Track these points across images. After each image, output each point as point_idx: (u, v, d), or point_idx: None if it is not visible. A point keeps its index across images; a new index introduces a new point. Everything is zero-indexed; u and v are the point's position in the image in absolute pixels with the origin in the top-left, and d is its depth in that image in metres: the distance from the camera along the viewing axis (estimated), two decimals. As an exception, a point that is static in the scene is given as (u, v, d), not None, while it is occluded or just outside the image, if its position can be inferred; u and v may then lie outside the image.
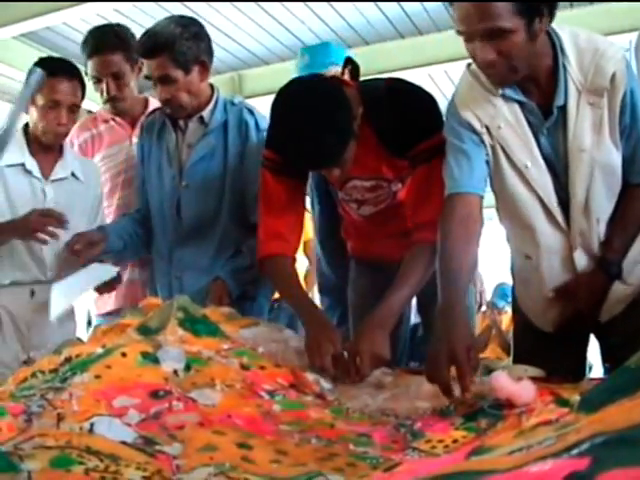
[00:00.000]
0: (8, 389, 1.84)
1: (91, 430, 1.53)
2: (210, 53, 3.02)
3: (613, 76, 2.10)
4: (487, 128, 2.24)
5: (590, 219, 2.24)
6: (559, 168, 2.23)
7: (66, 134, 3.06)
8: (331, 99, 2.36)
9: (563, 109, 2.18)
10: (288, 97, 2.43)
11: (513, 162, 2.24)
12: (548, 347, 2.40)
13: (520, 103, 2.21)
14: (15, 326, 2.95)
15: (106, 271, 3.00)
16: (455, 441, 1.66)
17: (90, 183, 3.21)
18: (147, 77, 2.96)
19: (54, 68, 2.95)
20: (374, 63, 5.92)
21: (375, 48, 6.67)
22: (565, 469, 0.69)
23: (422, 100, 2.56)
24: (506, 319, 7.83)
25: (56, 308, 2.83)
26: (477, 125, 2.24)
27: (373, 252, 2.92)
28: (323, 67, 3.45)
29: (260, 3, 5.89)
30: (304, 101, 2.35)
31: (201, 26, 3.01)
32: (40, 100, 2.91)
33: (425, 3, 5.94)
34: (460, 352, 1.92)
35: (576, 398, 1.56)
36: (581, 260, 2.29)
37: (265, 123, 2.87)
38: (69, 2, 5.18)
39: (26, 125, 3.04)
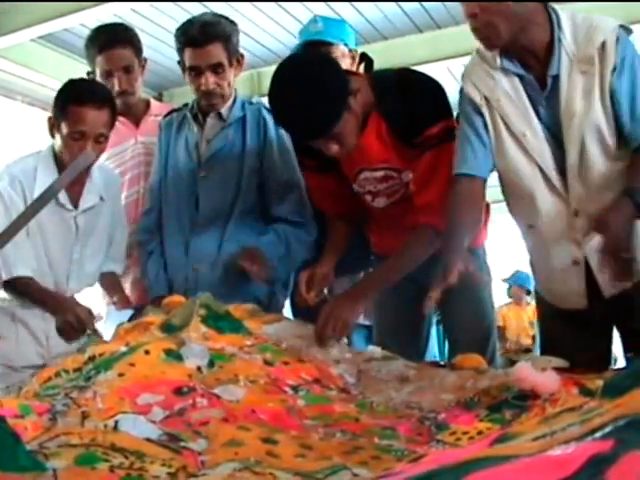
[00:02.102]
0: (33, 388, 1.86)
1: (116, 427, 1.54)
2: None
3: (603, 44, 2.19)
4: (486, 99, 2.35)
5: (587, 185, 2.28)
6: (559, 137, 2.30)
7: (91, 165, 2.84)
8: (322, 70, 2.45)
9: (557, 79, 2.26)
10: (281, 70, 2.50)
11: (512, 131, 2.33)
12: (574, 332, 2.42)
13: (519, 76, 2.32)
14: (33, 337, 2.88)
15: None
16: (480, 433, 1.65)
17: (112, 199, 3.11)
18: (191, 68, 2.95)
19: (82, 94, 2.78)
20: (393, 58, 5.88)
21: (394, 43, 6.65)
22: (588, 451, 0.68)
23: (428, 87, 2.62)
24: (529, 310, 8.05)
25: None
26: (477, 97, 2.36)
27: (393, 247, 2.90)
28: (333, 38, 3.40)
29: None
30: (295, 71, 2.45)
31: None
32: (65, 128, 2.74)
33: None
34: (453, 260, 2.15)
35: (600, 385, 1.55)
36: (581, 226, 2.31)
37: None
38: (89, 2, 5.18)
39: (53, 148, 2.87)
